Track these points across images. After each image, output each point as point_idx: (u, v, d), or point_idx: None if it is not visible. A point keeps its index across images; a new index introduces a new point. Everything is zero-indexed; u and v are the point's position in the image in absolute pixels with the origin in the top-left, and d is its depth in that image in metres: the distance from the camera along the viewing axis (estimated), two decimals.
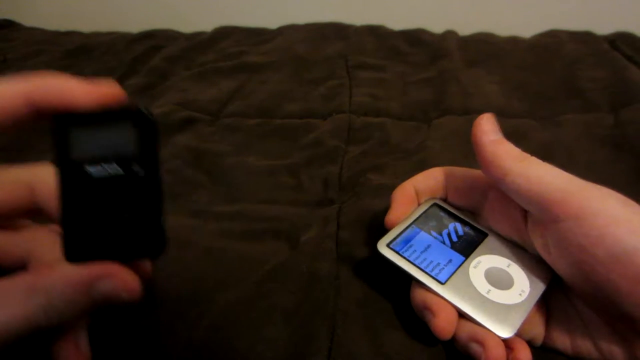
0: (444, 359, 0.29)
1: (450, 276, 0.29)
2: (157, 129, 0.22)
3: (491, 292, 0.29)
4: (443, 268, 0.30)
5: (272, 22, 0.89)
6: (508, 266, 0.30)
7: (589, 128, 0.52)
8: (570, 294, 0.28)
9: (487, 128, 0.29)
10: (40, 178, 0.25)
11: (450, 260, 0.30)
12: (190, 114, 0.58)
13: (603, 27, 0.78)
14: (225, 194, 0.45)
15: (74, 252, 0.21)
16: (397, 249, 0.31)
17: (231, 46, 0.80)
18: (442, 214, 0.34)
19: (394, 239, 0.32)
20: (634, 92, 0.57)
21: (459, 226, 0.33)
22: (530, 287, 0.29)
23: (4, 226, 0.26)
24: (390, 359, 0.29)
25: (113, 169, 0.21)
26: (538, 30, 0.81)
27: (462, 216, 0.33)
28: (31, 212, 0.26)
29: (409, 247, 0.31)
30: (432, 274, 0.29)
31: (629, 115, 0.53)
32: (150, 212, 0.21)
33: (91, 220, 0.21)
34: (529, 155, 0.28)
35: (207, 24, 0.90)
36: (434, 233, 0.32)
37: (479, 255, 0.31)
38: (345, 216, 0.40)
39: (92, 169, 0.21)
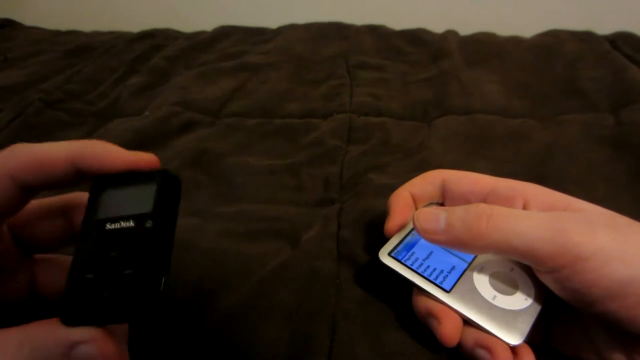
0: (444, 358, 0.29)
1: (455, 283, 0.29)
2: (179, 188, 0.23)
3: (497, 299, 0.28)
4: (447, 275, 0.30)
5: (272, 21, 0.89)
6: (511, 270, 0.30)
7: (590, 128, 0.52)
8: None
9: (429, 226, 0.28)
10: (78, 203, 0.26)
11: (453, 267, 0.30)
12: (190, 113, 0.58)
13: (603, 27, 0.78)
14: (225, 194, 0.45)
15: (69, 317, 0.20)
16: (399, 257, 0.31)
17: (231, 46, 0.80)
18: None
19: (395, 247, 0.31)
20: (635, 92, 0.57)
21: None
22: (535, 291, 0.29)
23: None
24: (390, 359, 0.29)
25: (128, 224, 0.22)
26: (538, 30, 0.81)
27: None
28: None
29: (411, 254, 0.31)
30: (437, 282, 0.29)
31: (630, 115, 0.53)
32: (151, 266, 0.21)
33: (92, 277, 0.21)
34: (490, 212, 0.26)
35: (207, 23, 0.90)
36: None
37: (481, 260, 0.31)
38: (346, 216, 0.40)
39: (110, 226, 0.22)
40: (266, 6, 1.04)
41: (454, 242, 0.27)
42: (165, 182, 0.22)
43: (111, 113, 0.61)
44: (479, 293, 0.29)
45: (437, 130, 0.54)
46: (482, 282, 0.29)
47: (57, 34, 0.91)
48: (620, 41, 0.73)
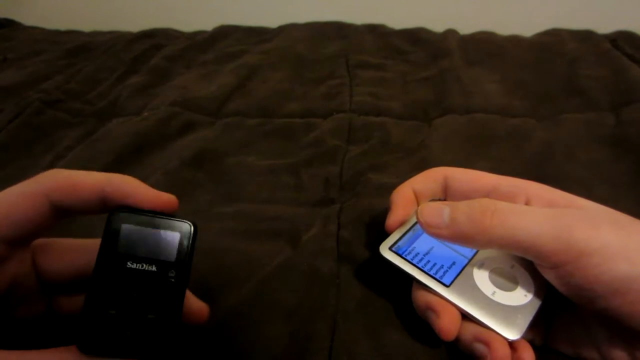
0: (445, 358, 0.29)
1: (455, 278, 0.29)
2: (196, 238, 0.24)
3: (496, 294, 0.28)
4: (447, 270, 0.30)
5: (272, 21, 0.89)
6: (512, 267, 0.30)
7: (590, 127, 0.52)
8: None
9: (434, 220, 0.28)
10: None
11: (453, 263, 0.30)
12: (190, 113, 0.58)
13: (604, 26, 0.78)
14: (225, 194, 0.45)
15: (88, 346, 0.22)
16: (399, 252, 0.31)
17: (231, 45, 0.80)
18: None
19: (396, 241, 0.31)
20: (635, 91, 0.57)
21: None
22: (535, 287, 0.29)
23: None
24: (391, 359, 0.29)
25: (150, 268, 0.23)
26: (539, 29, 0.81)
27: None
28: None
29: (412, 249, 0.31)
30: (437, 276, 0.29)
31: (630, 114, 0.53)
32: (172, 314, 0.23)
33: (112, 311, 0.22)
34: (494, 208, 0.26)
35: (207, 23, 0.90)
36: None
37: (482, 256, 0.31)
38: (346, 215, 0.40)
39: (132, 265, 0.23)
40: (266, 6, 1.04)
41: (457, 237, 0.27)
42: (188, 234, 0.24)
43: (111, 113, 0.61)
44: (478, 288, 0.29)
45: (437, 129, 0.54)
46: (482, 278, 0.29)
47: (57, 33, 0.91)
48: (621, 40, 0.73)
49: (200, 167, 0.48)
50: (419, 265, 0.30)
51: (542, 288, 0.29)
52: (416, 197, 0.34)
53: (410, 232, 0.32)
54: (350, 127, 0.54)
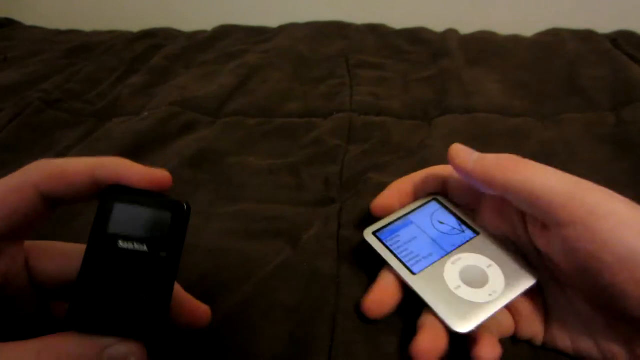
0: (444, 358, 0.29)
1: (425, 268, 0.30)
2: (189, 218, 0.24)
3: (460, 289, 0.29)
4: (420, 260, 0.31)
5: (272, 20, 0.89)
6: (488, 267, 0.30)
7: (591, 127, 0.52)
8: (570, 293, 0.28)
9: (463, 154, 0.29)
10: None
11: (430, 254, 0.31)
12: (190, 113, 0.58)
13: (605, 25, 0.78)
14: (226, 193, 0.45)
15: (78, 321, 0.22)
16: (382, 237, 0.32)
17: (231, 45, 0.80)
18: (439, 209, 0.34)
19: (382, 227, 0.33)
20: (636, 90, 0.57)
21: (452, 222, 0.33)
22: (505, 289, 0.29)
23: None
24: (390, 359, 0.29)
25: (141, 247, 0.23)
26: (539, 29, 0.80)
27: (458, 213, 0.34)
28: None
29: (395, 237, 0.32)
30: (408, 264, 0.30)
31: (631, 114, 0.53)
32: (162, 294, 0.23)
33: (104, 292, 0.22)
34: (521, 159, 0.27)
35: (207, 22, 0.89)
36: (425, 227, 0.33)
37: (462, 253, 0.31)
38: (346, 215, 0.40)
39: (123, 245, 0.23)
40: (266, 5, 1.04)
41: (479, 173, 0.28)
42: (180, 214, 0.24)
43: (111, 113, 0.61)
44: (443, 281, 0.30)
45: (438, 129, 0.54)
46: (451, 272, 0.30)
47: (57, 33, 0.91)
48: (622, 40, 0.73)
49: (200, 167, 0.48)
50: (395, 252, 0.31)
51: (512, 291, 0.29)
52: (414, 191, 0.35)
53: (399, 222, 0.34)
54: (351, 126, 0.54)
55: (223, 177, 0.47)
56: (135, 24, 0.90)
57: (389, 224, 0.34)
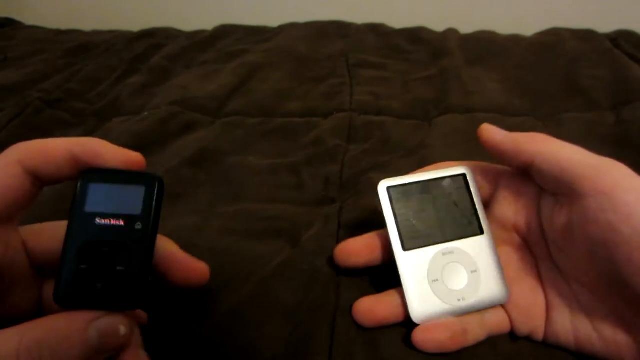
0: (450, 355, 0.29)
1: (416, 248, 0.30)
2: (163, 192, 0.25)
3: (436, 283, 0.29)
4: (417, 238, 0.30)
5: (272, 20, 0.89)
6: (472, 272, 0.30)
7: (591, 126, 0.52)
8: (574, 283, 0.28)
9: (493, 129, 0.30)
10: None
11: (429, 236, 0.30)
12: (190, 113, 0.58)
13: (605, 25, 0.78)
14: (226, 193, 0.45)
15: (66, 300, 0.23)
16: (394, 195, 0.31)
17: (232, 45, 0.80)
18: (461, 189, 0.32)
19: (399, 185, 0.31)
20: (636, 90, 0.57)
21: (466, 209, 0.31)
22: (474, 300, 0.29)
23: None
24: (390, 359, 0.29)
25: (118, 222, 0.24)
26: (539, 29, 0.80)
27: (477, 202, 0.31)
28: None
29: (406, 200, 0.31)
30: (404, 237, 0.30)
31: (631, 113, 0.53)
32: (140, 265, 0.23)
33: (86, 269, 0.23)
34: (547, 136, 0.29)
35: (207, 22, 0.90)
36: (439, 203, 0.31)
37: (457, 247, 0.30)
38: (346, 215, 0.40)
39: (100, 221, 0.24)
40: (266, 5, 1.04)
41: (509, 143, 0.29)
42: (152, 186, 0.24)
43: (111, 112, 0.61)
44: (426, 269, 0.29)
45: (438, 128, 0.54)
46: (437, 263, 0.30)
47: (57, 33, 0.91)
48: (622, 39, 0.73)
49: (200, 167, 0.48)
50: (398, 217, 0.30)
51: (481, 304, 0.29)
52: None
53: (418, 186, 0.31)
54: (351, 126, 0.54)
55: (223, 176, 0.47)
56: (135, 24, 0.90)
57: (408, 184, 0.31)
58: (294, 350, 0.29)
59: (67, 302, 0.22)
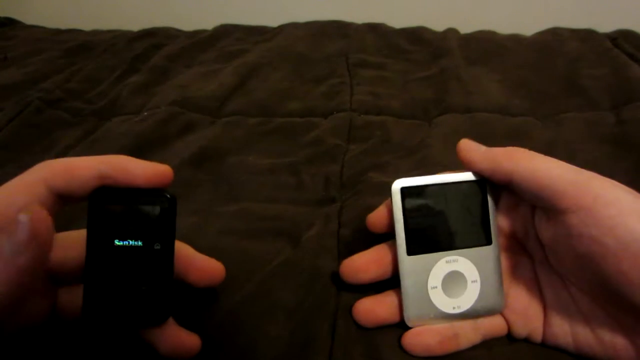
0: (442, 358, 0.29)
1: (421, 254, 0.29)
2: (176, 208, 0.25)
3: (434, 290, 0.29)
4: (423, 243, 0.30)
5: (272, 20, 0.89)
6: (472, 281, 0.30)
7: (591, 126, 0.52)
8: (572, 287, 0.28)
9: (471, 145, 0.30)
10: None
11: (436, 242, 0.30)
12: (190, 112, 0.58)
13: (605, 25, 0.78)
14: (226, 193, 0.45)
15: (92, 320, 0.24)
16: (407, 196, 0.29)
17: (232, 44, 0.80)
18: (477, 195, 0.30)
19: (414, 187, 0.30)
20: (636, 90, 0.57)
21: (477, 218, 0.30)
22: (469, 309, 0.29)
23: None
24: (390, 358, 0.29)
25: (136, 243, 0.24)
26: (539, 28, 0.80)
27: (491, 212, 0.30)
28: None
29: (419, 203, 0.30)
30: (409, 240, 0.29)
31: (631, 113, 0.53)
32: (163, 283, 0.24)
33: (110, 290, 0.24)
34: (526, 150, 0.28)
35: (207, 22, 0.90)
36: (451, 209, 0.30)
37: (462, 256, 0.30)
38: (347, 215, 0.40)
39: (119, 243, 0.24)
40: (266, 5, 1.04)
41: (487, 160, 0.29)
42: (167, 206, 0.25)
43: (111, 112, 0.60)
44: (427, 275, 0.29)
45: (438, 128, 0.54)
46: (439, 271, 0.30)
47: (57, 32, 0.91)
48: (622, 39, 0.73)
49: (200, 167, 0.48)
50: (407, 220, 0.29)
51: (473, 313, 0.29)
52: None
53: (434, 189, 0.30)
54: (351, 126, 0.54)
55: (223, 176, 0.47)
56: (135, 23, 0.90)
57: (424, 186, 0.30)
58: (294, 350, 0.29)
59: (96, 324, 0.23)
